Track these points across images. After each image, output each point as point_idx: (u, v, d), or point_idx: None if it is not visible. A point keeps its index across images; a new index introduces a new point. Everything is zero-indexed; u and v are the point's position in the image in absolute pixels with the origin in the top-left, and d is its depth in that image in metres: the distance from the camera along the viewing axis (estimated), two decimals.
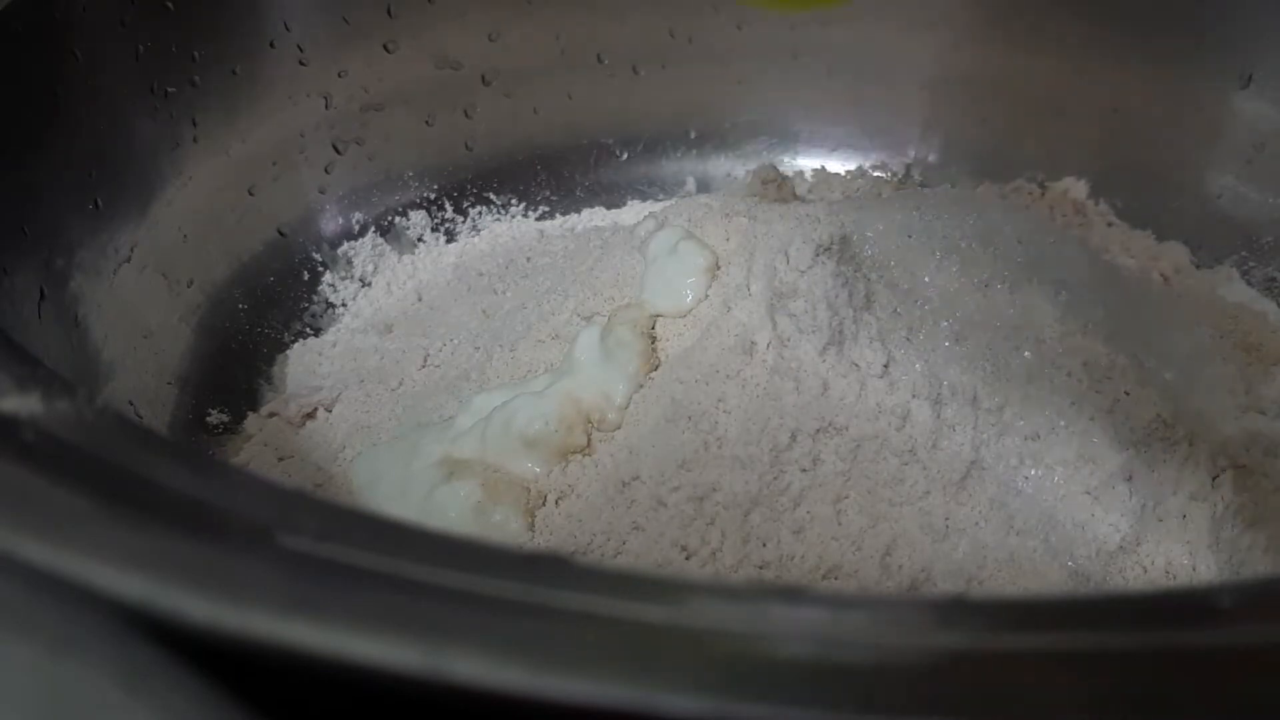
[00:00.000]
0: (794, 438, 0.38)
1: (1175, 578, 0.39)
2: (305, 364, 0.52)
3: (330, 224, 0.58)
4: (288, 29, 0.55)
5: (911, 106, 0.64)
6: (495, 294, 0.54)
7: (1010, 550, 0.38)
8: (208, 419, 0.49)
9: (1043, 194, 0.61)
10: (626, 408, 0.41)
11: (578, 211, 0.63)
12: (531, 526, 0.40)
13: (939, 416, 0.39)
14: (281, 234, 0.56)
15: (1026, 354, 0.41)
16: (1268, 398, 0.47)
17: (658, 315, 0.42)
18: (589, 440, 0.41)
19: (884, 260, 0.43)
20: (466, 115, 0.61)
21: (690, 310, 0.42)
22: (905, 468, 0.38)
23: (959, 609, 0.20)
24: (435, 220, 0.61)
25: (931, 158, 0.65)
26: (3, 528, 0.20)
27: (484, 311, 0.52)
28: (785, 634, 0.19)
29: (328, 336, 0.54)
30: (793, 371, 0.39)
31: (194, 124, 0.51)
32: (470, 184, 0.62)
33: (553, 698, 0.18)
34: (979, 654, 0.19)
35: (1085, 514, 0.39)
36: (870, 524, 0.38)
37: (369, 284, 0.57)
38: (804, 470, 0.38)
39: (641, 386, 0.42)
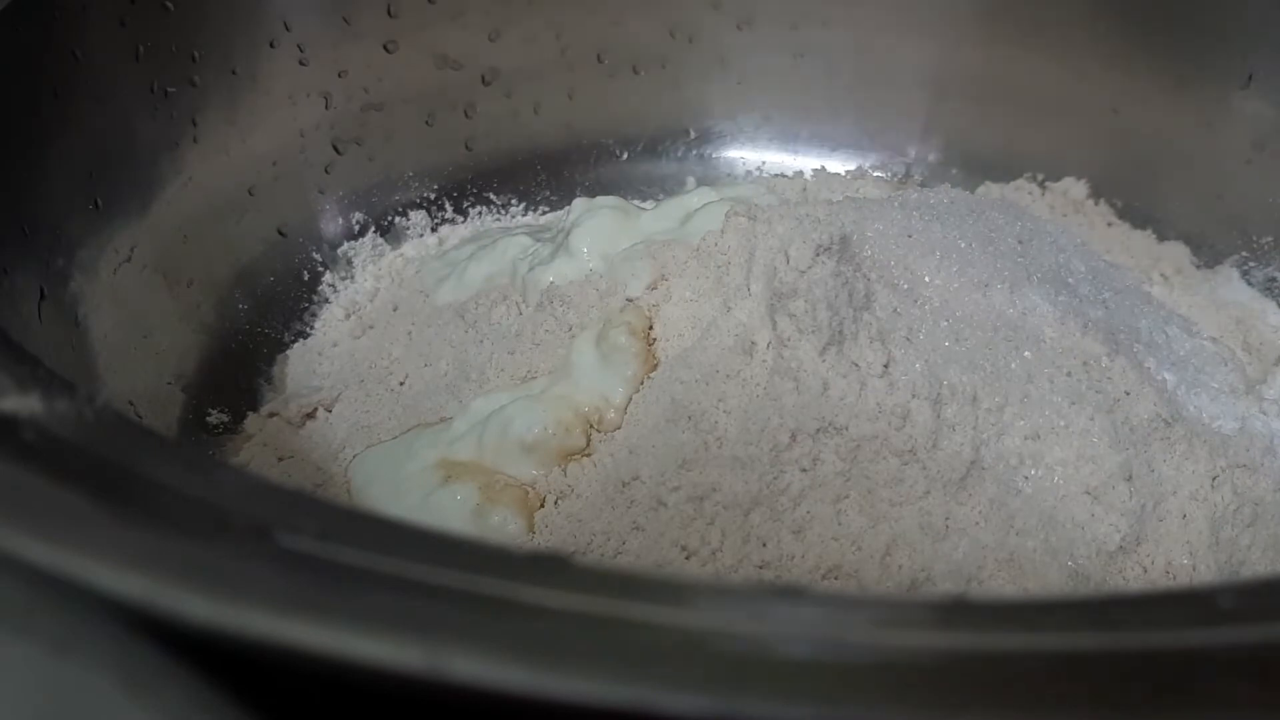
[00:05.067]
0: (794, 438, 0.38)
1: (1175, 578, 0.39)
2: (305, 364, 0.52)
3: (330, 224, 0.58)
4: (288, 29, 0.55)
5: (911, 106, 0.64)
6: None
7: (1010, 550, 0.38)
8: (208, 419, 0.49)
9: (1043, 194, 0.61)
10: (626, 408, 0.41)
11: None
12: (531, 528, 0.40)
13: (939, 416, 0.39)
14: (281, 234, 0.56)
15: (1026, 354, 0.41)
16: (1268, 398, 0.47)
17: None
18: (588, 441, 0.41)
19: (884, 260, 0.43)
20: (466, 115, 0.61)
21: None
22: (905, 468, 0.38)
23: (959, 609, 0.20)
24: (435, 220, 0.61)
25: (931, 158, 0.65)
26: (3, 528, 0.20)
27: None
28: (785, 634, 0.19)
29: (328, 336, 0.54)
30: (793, 371, 0.39)
31: (194, 124, 0.51)
32: (470, 184, 0.62)
33: (553, 698, 0.18)
34: (979, 654, 0.19)
35: (1085, 514, 0.39)
36: (870, 524, 0.38)
37: (369, 285, 0.57)
38: (804, 470, 0.38)
39: (640, 388, 0.42)
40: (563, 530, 0.39)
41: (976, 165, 0.64)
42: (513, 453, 0.41)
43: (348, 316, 0.55)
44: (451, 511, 0.40)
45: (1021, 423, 0.40)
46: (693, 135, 0.65)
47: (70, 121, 0.44)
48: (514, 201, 0.63)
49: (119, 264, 0.46)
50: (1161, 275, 0.57)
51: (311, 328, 0.55)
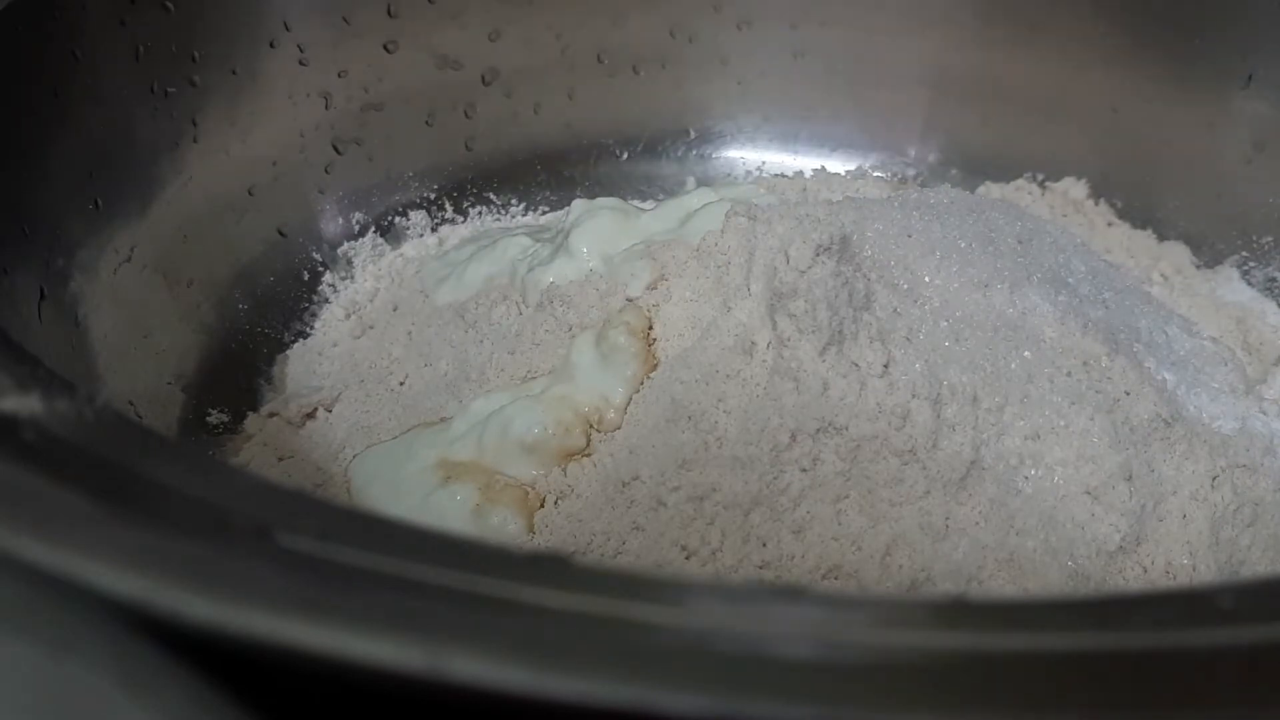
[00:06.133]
0: (794, 438, 0.38)
1: (1175, 578, 0.39)
2: (305, 364, 0.52)
3: (330, 224, 0.58)
4: (288, 29, 0.55)
5: (911, 106, 0.64)
6: None
7: (1010, 550, 0.38)
8: (208, 419, 0.49)
9: (1043, 194, 0.61)
10: (626, 408, 0.41)
11: None
12: (531, 528, 0.40)
13: (939, 416, 0.39)
14: (281, 234, 0.56)
15: (1026, 354, 0.41)
16: (1268, 398, 0.47)
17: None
18: (588, 441, 0.41)
19: (884, 260, 0.43)
20: (466, 115, 0.61)
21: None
22: (905, 468, 0.38)
23: (959, 609, 0.20)
24: (435, 220, 0.61)
25: (931, 158, 0.65)
26: (3, 528, 0.20)
27: None
28: (785, 634, 0.19)
29: (328, 336, 0.54)
30: (793, 371, 0.39)
31: (194, 124, 0.51)
32: (470, 184, 0.62)
33: (553, 698, 0.18)
34: (979, 654, 0.19)
35: (1085, 514, 0.39)
36: (870, 524, 0.38)
37: (369, 284, 0.57)
38: (804, 470, 0.38)
39: (640, 388, 0.42)
40: (563, 530, 0.39)
41: (976, 165, 0.64)
42: (513, 453, 0.41)
43: (348, 316, 0.55)
44: (451, 512, 0.40)
45: (1021, 423, 0.40)
46: (693, 135, 0.65)
47: (70, 121, 0.44)
48: (514, 201, 0.63)
49: (119, 264, 0.46)
50: (1161, 275, 0.57)
51: (311, 328, 0.55)
